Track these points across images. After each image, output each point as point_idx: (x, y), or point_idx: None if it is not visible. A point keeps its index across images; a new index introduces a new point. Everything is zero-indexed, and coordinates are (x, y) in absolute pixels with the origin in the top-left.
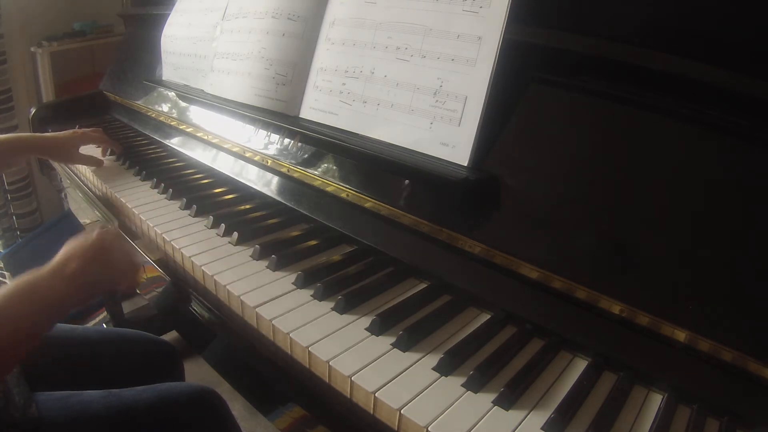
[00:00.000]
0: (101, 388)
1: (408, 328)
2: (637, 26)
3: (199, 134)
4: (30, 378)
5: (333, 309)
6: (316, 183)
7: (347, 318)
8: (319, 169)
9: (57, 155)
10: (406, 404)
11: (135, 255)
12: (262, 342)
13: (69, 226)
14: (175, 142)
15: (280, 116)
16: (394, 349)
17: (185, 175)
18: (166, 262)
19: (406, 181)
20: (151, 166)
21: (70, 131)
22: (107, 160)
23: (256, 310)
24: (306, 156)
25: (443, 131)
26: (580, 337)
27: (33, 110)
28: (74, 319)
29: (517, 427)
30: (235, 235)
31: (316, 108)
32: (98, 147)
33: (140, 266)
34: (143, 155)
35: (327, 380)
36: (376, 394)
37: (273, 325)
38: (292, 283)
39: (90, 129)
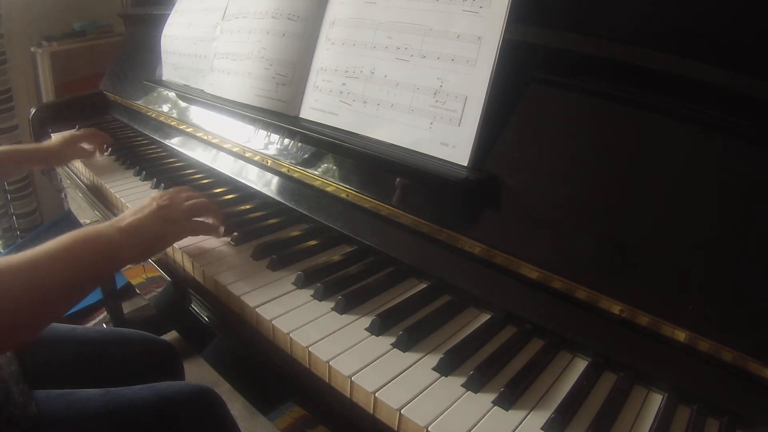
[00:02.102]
0: (101, 388)
1: (408, 328)
2: (637, 26)
3: (199, 134)
4: (30, 378)
5: (333, 309)
6: (316, 183)
7: (347, 318)
8: (319, 169)
9: (53, 162)
10: (406, 404)
11: (198, 212)
12: (262, 342)
13: (69, 226)
14: (175, 142)
15: (280, 116)
16: (394, 349)
17: (185, 175)
18: (166, 262)
19: (406, 181)
20: (151, 166)
21: (60, 136)
22: (107, 159)
23: (256, 310)
24: (306, 156)
25: (443, 131)
26: (580, 337)
27: (33, 110)
28: (74, 319)
29: (517, 427)
30: (235, 235)
31: (316, 108)
32: (91, 143)
33: (204, 228)
34: (143, 155)
35: (327, 380)
36: (376, 394)
37: (273, 325)
38: (292, 284)
39: (81, 131)
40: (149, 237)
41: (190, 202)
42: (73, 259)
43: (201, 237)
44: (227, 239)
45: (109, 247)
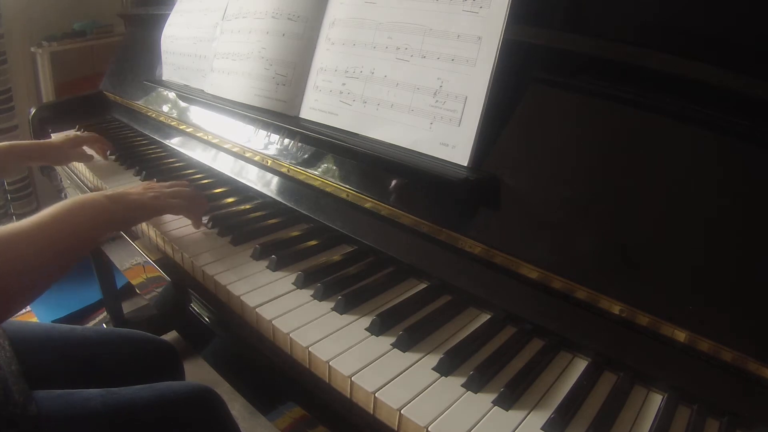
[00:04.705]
0: (101, 388)
1: (408, 328)
2: (637, 26)
3: (199, 134)
4: (30, 378)
5: (333, 309)
6: (316, 183)
7: (347, 318)
8: (319, 169)
9: (53, 159)
10: (406, 404)
11: (181, 195)
12: (263, 342)
13: None
14: (175, 142)
15: (280, 116)
16: (394, 349)
17: (185, 175)
18: (166, 262)
19: (406, 182)
20: (151, 166)
21: (63, 135)
22: (108, 160)
23: (256, 310)
24: (306, 156)
25: (443, 131)
26: (580, 337)
27: (33, 110)
28: (74, 319)
29: (517, 427)
30: (234, 235)
31: (316, 108)
32: (93, 148)
33: (184, 209)
34: (143, 155)
35: (327, 380)
36: (376, 394)
37: (273, 325)
38: (292, 284)
39: (84, 134)
40: (133, 205)
41: (174, 188)
42: (68, 221)
43: (200, 236)
44: (227, 240)
45: (98, 209)
